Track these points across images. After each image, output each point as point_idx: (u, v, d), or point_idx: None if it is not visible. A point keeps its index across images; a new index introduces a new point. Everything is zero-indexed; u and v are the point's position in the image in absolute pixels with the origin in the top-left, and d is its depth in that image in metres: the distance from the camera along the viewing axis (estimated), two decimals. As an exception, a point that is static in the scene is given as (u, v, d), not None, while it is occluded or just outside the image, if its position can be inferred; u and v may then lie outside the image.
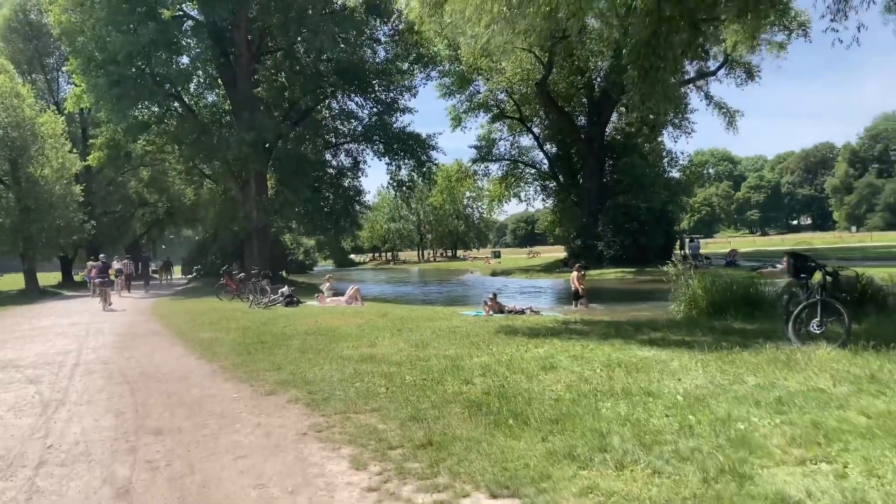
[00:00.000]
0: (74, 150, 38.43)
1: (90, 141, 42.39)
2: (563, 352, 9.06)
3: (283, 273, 40.37)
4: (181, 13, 36.82)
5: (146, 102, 36.52)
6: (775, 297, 13.79)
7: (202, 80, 39.63)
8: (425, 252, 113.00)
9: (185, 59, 37.53)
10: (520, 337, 10.85)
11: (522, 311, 15.54)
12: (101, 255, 28.45)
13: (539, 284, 38.30)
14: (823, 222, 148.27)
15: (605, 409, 5.81)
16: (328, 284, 22.75)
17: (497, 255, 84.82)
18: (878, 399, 5.65)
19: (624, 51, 15.91)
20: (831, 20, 12.60)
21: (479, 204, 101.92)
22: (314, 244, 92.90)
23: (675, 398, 6.05)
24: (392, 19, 39.74)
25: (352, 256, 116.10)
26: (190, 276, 48.33)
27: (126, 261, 40.87)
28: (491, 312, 15.40)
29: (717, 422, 5.23)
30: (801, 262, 9.36)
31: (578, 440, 4.98)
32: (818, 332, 8.53)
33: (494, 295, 15.71)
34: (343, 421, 6.03)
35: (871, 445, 4.49)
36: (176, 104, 38.02)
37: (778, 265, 35.92)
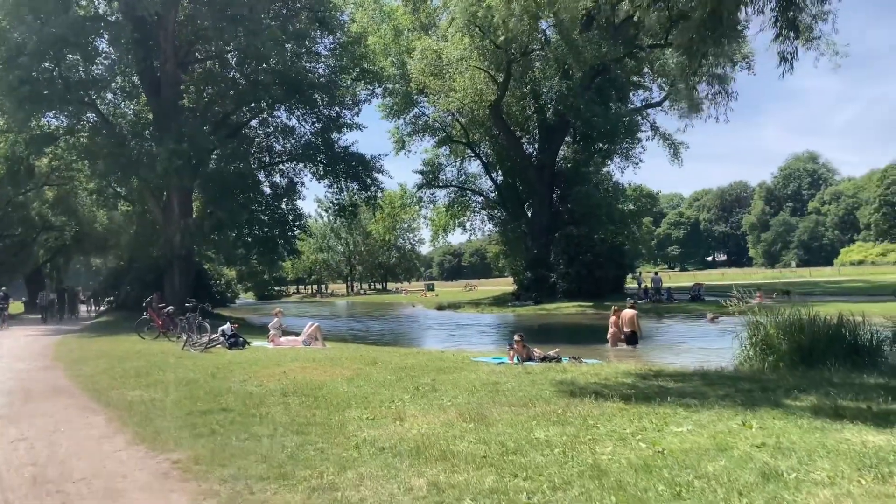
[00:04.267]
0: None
1: (-14, 155, 37.12)
2: (735, 435, 5.78)
3: (208, 306, 35.78)
4: (98, 13, 32.60)
5: (54, 111, 31.93)
6: (877, 342, 11.04)
7: (121, 88, 35.16)
8: (354, 285, 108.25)
9: (101, 65, 33.15)
10: (607, 402, 7.53)
11: (558, 359, 12.24)
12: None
13: (495, 320, 35.12)
14: (739, 258, 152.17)
15: None
16: (277, 320, 18.79)
17: (431, 288, 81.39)
18: None
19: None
20: None
21: (411, 235, 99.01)
22: (235, 275, 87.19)
23: None
24: (336, 32, 36.46)
25: (273, 288, 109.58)
26: (99, 308, 42.97)
27: (44, 292, 36.65)
28: (517, 359, 12.05)
29: None
30: None
31: None
32: None
33: (521, 337, 12.34)
34: None
35: None
36: (90, 113, 33.37)
37: (751, 300, 33.92)
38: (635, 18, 13.23)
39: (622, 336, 17.69)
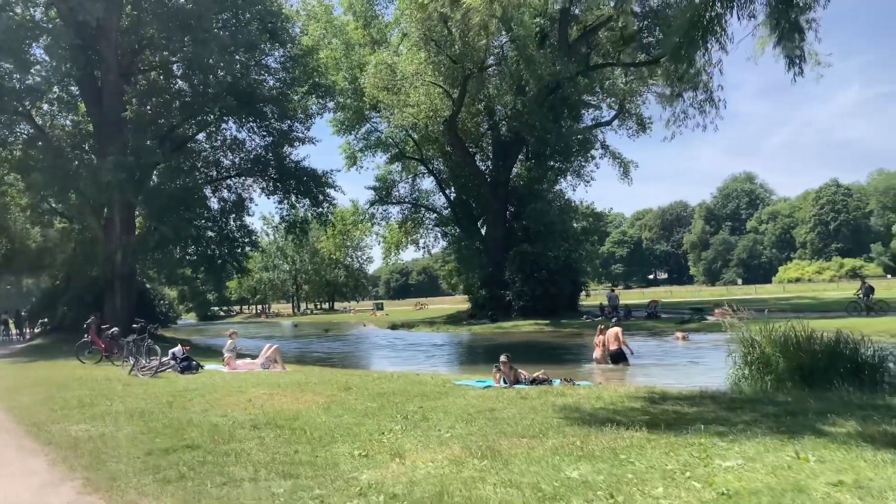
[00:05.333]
0: None
1: None
2: (796, 470, 5.05)
3: (156, 327, 34.06)
4: (34, 19, 30.90)
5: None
6: (880, 360, 10.54)
7: (58, 98, 33.29)
8: (301, 304, 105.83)
9: (37, 74, 31.33)
10: (629, 431, 6.73)
11: (548, 381, 11.45)
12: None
13: (453, 339, 34.29)
14: (679, 276, 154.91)
15: None
16: (231, 342, 17.52)
17: (380, 307, 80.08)
18: None
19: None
20: None
21: (360, 254, 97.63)
22: (176, 295, 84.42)
23: None
24: (286, 44, 35.37)
25: (215, 308, 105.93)
26: (32, 331, 40.53)
27: None
28: (504, 382, 11.21)
29: None
30: None
31: None
32: None
33: (508, 358, 11.50)
34: None
35: None
36: (24, 124, 31.55)
37: (709, 316, 33.89)
38: (620, 23, 12.66)
39: (608, 355, 17.06)
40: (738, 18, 11.40)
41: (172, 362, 15.41)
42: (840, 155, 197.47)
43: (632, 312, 37.46)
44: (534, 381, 11.33)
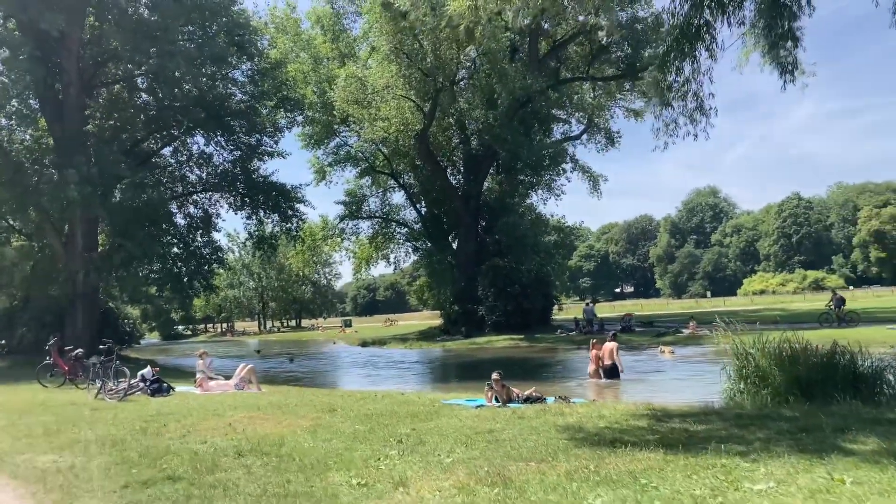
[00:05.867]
0: None
1: None
2: (837, 495, 4.70)
3: (124, 347, 33.11)
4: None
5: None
6: (878, 371, 10.32)
7: (16, 112, 32.13)
8: (267, 322, 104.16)
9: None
10: (643, 453, 6.36)
11: (542, 399, 11.04)
12: None
13: (427, 355, 33.78)
14: (646, 289, 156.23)
15: None
16: (203, 362, 16.83)
17: (349, 324, 79.14)
18: None
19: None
20: None
21: (327, 270, 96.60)
22: (139, 314, 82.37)
23: None
24: (254, 57, 34.79)
25: (179, 328, 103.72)
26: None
27: None
28: (496, 400, 10.78)
29: None
30: None
31: None
32: None
33: (500, 376, 11.06)
34: None
35: None
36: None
37: (685, 330, 33.94)
38: (604, 32, 12.40)
39: (601, 370, 16.76)
40: (729, 25, 11.24)
41: (142, 384, 14.70)
42: (799, 169, 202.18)
43: (605, 326, 37.32)
44: (527, 399, 10.92)
